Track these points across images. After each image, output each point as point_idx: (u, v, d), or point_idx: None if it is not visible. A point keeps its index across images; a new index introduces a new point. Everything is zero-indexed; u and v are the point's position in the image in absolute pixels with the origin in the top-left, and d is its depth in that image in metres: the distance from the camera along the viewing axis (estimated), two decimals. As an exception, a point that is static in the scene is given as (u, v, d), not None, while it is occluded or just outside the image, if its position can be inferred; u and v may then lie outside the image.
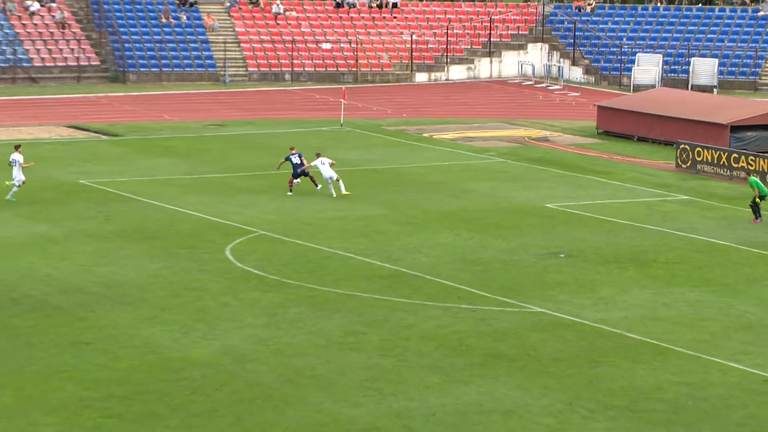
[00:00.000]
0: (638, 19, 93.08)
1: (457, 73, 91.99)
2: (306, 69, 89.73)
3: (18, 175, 51.72)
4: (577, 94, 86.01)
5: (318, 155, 54.33)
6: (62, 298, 39.56)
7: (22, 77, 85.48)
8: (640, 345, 36.34)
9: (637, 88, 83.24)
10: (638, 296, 41.10)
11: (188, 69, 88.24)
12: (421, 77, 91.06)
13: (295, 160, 54.10)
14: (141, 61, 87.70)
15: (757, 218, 51.15)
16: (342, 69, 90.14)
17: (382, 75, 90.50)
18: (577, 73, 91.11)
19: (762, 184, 51.75)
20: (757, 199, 51.08)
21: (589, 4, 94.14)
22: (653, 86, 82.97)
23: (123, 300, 39.27)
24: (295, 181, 54.25)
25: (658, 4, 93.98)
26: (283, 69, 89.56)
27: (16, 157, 51.83)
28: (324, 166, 53.56)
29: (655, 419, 30.99)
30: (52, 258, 44.03)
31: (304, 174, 54.25)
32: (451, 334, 36.92)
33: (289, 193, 53.86)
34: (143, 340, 35.91)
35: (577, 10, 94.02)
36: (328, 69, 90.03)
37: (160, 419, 30.37)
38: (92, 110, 76.43)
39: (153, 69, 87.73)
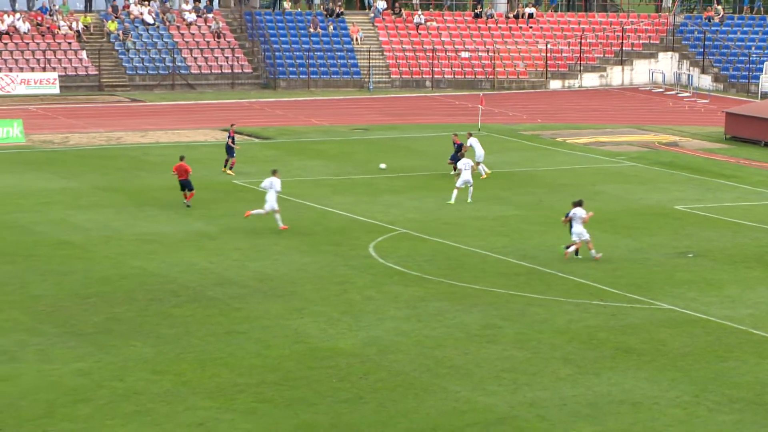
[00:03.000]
0: (766, 29, 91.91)
1: (589, 80, 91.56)
2: (446, 76, 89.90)
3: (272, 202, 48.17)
4: (706, 101, 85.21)
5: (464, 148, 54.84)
6: (218, 291, 40.11)
7: (181, 83, 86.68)
8: (765, 341, 35.99)
9: (765, 95, 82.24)
10: (764, 294, 40.70)
11: (335, 76, 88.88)
12: (555, 84, 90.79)
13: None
14: (290, 69, 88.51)
15: None
16: (480, 76, 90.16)
17: (518, 82, 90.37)
18: (706, 81, 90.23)
19: None
20: None
21: (718, 15, 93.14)
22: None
23: (274, 293, 39.74)
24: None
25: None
26: (424, 76, 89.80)
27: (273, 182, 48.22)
28: (466, 171, 53.10)
29: (779, 412, 30.75)
30: (209, 253, 44.64)
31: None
32: (583, 329, 36.88)
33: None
34: (293, 330, 36.32)
35: (707, 20, 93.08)
36: (466, 76, 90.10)
37: (309, 404, 30.71)
38: (245, 115, 77.28)
39: (302, 76, 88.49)
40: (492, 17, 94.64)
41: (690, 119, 77.91)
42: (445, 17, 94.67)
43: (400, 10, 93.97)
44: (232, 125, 60.80)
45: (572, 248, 44.50)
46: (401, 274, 42.27)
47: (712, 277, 42.61)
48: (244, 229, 48.17)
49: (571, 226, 44.39)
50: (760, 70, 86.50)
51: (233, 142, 58.80)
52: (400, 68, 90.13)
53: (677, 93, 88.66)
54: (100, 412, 30.04)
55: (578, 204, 44.37)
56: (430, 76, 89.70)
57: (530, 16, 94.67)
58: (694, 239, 47.58)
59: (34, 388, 31.13)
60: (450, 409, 30.59)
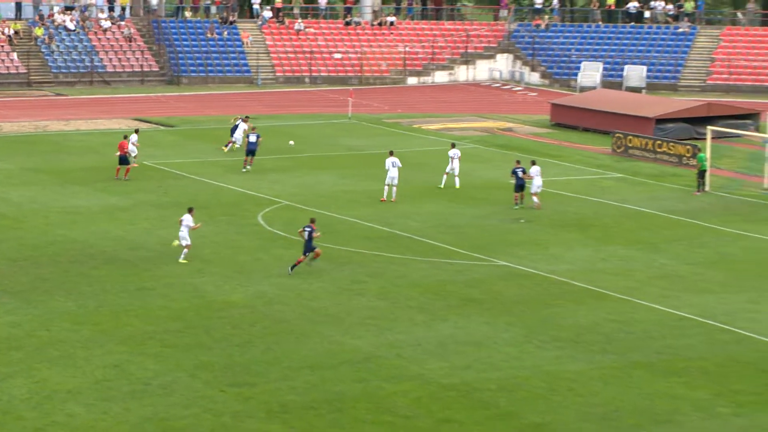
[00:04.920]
0: (584, 34, 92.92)
1: (440, 77, 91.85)
2: (321, 74, 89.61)
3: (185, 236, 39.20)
4: (535, 94, 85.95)
5: (391, 153, 49.42)
6: (130, 254, 39.73)
7: (98, 80, 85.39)
8: (582, 291, 36.51)
9: (583, 89, 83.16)
10: (581, 253, 41.25)
11: (228, 74, 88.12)
12: (412, 80, 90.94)
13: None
14: (191, 68, 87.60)
15: (699, 190, 50.77)
16: (350, 74, 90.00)
17: (381, 79, 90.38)
18: (535, 78, 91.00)
19: (705, 161, 51.48)
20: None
21: (544, 23, 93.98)
22: (595, 88, 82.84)
23: (177, 256, 39.43)
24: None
25: (599, 23, 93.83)
26: (304, 74, 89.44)
27: (185, 218, 39.44)
28: (393, 168, 48.39)
29: (593, 348, 31.20)
30: (122, 223, 44.17)
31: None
32: (434, 283, 37.10)
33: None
34: (193, 286, 36.10)
35: (535, 27, 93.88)
36: (339, 74, 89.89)
37: (207, 348, 30.59)
38: (153, 107, 76.42)
39: (201, 74, 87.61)
40: (359, 24, 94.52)
41: (522, 109, 78.59)
42: (321, 25, 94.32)
43: (283, 19, 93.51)
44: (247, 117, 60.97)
45: (536, 200, 46.99)
46: (284, 239, 42.18)
47: (539, 239, 43.06)
48: (153, 203, 47.72)
49: (519, 182, 47.06)
50: (578, 68, 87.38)
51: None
52: (284, 67, 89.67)
53: (512, 87, 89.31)
54: (30, 357, 29.66)
55: (534, 163, 48.34)
56: (309, 74, 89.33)
57: (391, 23, 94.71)
58: (525, 208, 47.91)
59: (-28, 338, 30.61)
60: (325, 350, 30.65)
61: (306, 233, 37.51)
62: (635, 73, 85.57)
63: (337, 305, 34.51)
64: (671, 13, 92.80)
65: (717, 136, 56.73)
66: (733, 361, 30.32)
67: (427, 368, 29.43)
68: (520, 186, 47.49)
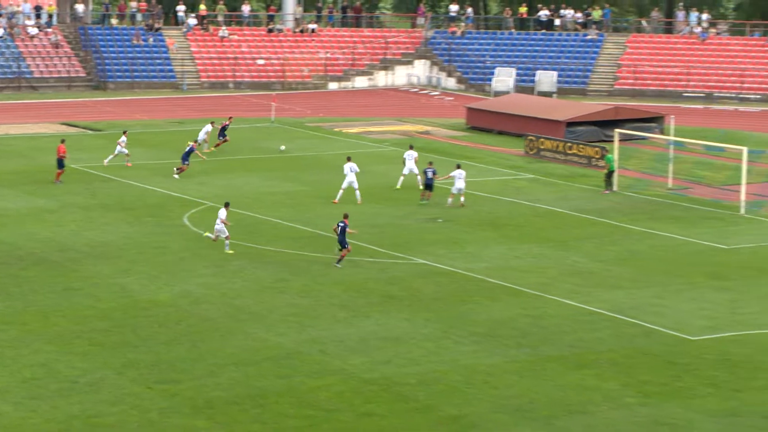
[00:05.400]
0: (497, 41, 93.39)
1: (360, 82, 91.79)
2: (245, 79, 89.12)
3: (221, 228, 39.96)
4: (451, 98, 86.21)
5: (348, 158, 48.89)
6: (57, 255, 39.19)
7: (26, 86, 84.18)
8: (497, 287, 36.65)
9: (497, 94, 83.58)
10: (496, 250, 41.40)
11: (154, 79, 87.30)
12: (333, 86, 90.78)
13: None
14: (117, 73, 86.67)
15: (607, 190, 51.35)
16: (273, 79, 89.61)
17: (303, 84, 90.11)
18: (451, 83, 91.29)
19: (613, 162, 51.96)
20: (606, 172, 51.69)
21: (460, 30, 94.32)
22: (508, 92, 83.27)
23: (104, 256, 39.00)
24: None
25: (512, 30, 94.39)
26: (228, 79, 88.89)
27: (221, 212, 40.04)
28: (352, 174, 48.19)
29: (508, 343, 31.31)
30: (50, 224, 43.57)
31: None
32: (356, 280, 37.02)
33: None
34: (120, 286, 35.69)
35: (451, 34, 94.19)
36: (262, 79, 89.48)
37: (134, 346, 30.25)
38: (80, 111, 75.46)
39: (127, 79, 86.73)
40: (282, 32, 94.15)
41: (439, 113, 78.79)
42: (244, 32, 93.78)
43: (208, 26, 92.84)
44: (229, 118, 62.60)
45: (451, 200, 47.29)
46: (209, 240, 41.82)
47: (456, 237, 43.15)
48: (80, 205, 47.12)
49: (428, 182, 47.71)
50: (493, 74, 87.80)
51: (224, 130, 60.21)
52: (208, 72, 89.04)
53: (429, 92, 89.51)
54: (-43, 357, 29.08)
55: (458, 166, 48.33)
56: (233, 79, 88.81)
57: (312, 30, 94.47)
58: (441, 207, 48.09)
59: None
60: (249, 347, 30.44)
61: (339, 228, 38.11)
62: (546, 79, 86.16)
63: (261, 303, 34.30)
64: (580, 21, 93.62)
65: (624, 139, 57.26)
66: (641, 353, 30.59)
67: (349, 363, 29.33)
68: (428, 185, 48.50)
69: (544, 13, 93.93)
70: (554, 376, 28.81)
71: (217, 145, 60.36)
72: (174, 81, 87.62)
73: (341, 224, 38.35)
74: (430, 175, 48.42)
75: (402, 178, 51.36)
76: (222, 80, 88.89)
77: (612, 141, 55.82)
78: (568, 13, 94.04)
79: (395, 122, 73.78)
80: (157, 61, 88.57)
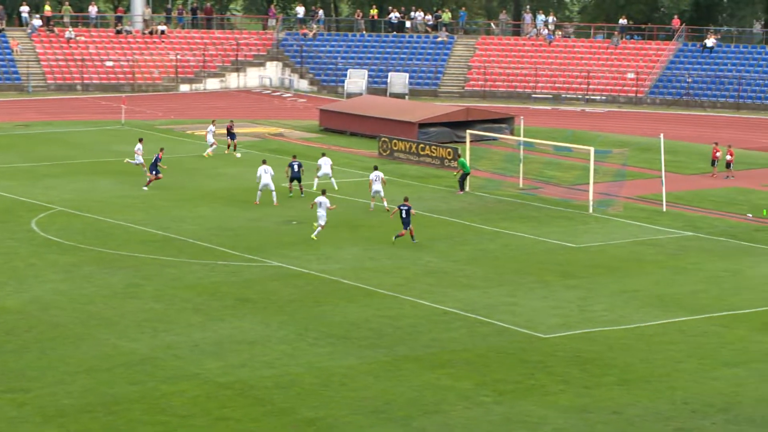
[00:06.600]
0: (349, 43, 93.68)
1: (212, 84, 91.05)
2: (93, 81, 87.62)
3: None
4: (304, 100, 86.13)
5: (263, 161, 49.96)
6: None
7: None
8: (352, 288, 36.70)
9: (349, 95, 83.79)
10: (350, 252, 41.47)
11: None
12: (184, 88, 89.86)
13: (296, 168, 50.06)
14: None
15: (461, 190, 51.97)
16: (122, 81, 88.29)
17: (154, 86, 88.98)
18: (304, 84, 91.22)
19: (467, 165, 52.49)
20: (455, 173, 52.23)
21: (312, 32, 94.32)
22: (361, 94, 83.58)
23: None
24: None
25: (364, 33, 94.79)
26: (75, 81, 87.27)
27: (322, 200, 42.86)
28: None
29: (364, 344, 31.37)
30: None
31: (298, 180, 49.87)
32: (209, 284, 36.70)
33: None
34: (-35, 294, 34.70)
35: (303, 36, 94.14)
36: (111, 81, 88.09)
37: (-20, 356, 29.41)
38: None
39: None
40: (131, 33, 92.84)
41: (292, 114, 78.61)
42: (92, 33, 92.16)
43: (54, 27, 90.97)
44: (231, 121, 63.19)
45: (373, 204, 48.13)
46: (58, 245, 41.03)
47: (311, 239, 43.03)
48: None
49: (294, 175, 49.10)
50: (345, 75, 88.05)
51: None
52: (55, 74, 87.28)
53: (281, 94, 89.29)
54: None
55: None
56: (81, 81, 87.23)
57: (162, 32, 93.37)
58: (297, 210, 47.97)
59: None
60: (101, 354, 29.91)
61: (403, 211, 41.47)
62: (398, 80, 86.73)
63: (112, 309, 33.73)
64: (430, 23, 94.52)
65: (475, 140, 57.95)
66: (494, 352, 30.95)
67: (204, 368, 29.03)
68: (295, 178, 49.92)
69: (394, 15, 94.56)
70: (410, 377, 28.97)
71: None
72: (19, 83, 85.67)
73: (403, 207, 41.70)
74: (296, 168, 49.83)
75: (316, 180, 51.36)
76: (69, 82, 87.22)
77: (464, 142, 56.43)
78: (419, 15, 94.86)
79: (248, 124, 73.32)
80: (1, 63, 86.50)
